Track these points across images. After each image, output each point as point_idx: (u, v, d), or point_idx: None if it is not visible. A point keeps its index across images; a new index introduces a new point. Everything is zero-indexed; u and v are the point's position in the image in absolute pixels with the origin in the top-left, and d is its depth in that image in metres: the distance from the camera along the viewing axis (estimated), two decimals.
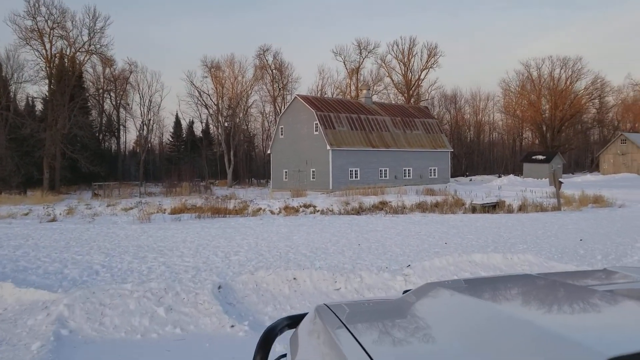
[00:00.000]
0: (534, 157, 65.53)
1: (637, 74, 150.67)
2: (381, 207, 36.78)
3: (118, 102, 73.75)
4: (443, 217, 22.78)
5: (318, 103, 51.39)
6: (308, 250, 11.84)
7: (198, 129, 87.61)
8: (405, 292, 1.86)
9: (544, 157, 64.42)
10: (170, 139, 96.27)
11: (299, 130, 51.59)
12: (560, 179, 27.07)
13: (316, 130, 49.27)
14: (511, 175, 61.97)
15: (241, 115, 71.51)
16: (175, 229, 17.53)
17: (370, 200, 37.41)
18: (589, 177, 57.07)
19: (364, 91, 56.86)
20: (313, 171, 50.29)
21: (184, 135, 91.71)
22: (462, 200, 35.30)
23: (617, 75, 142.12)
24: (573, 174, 73.03)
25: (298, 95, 53.58)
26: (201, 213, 34.09)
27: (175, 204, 36.79)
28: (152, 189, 52.47)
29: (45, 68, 49.88)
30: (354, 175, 49.92)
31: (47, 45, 49.02)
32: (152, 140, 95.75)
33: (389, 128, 54.04)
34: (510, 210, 31.42)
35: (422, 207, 35.36)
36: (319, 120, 48.66)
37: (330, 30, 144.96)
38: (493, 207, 32.64)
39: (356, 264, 9.71)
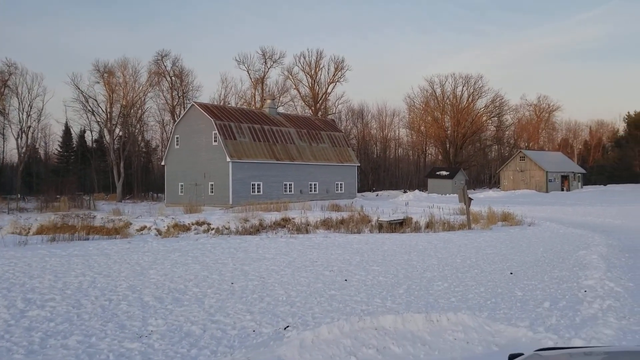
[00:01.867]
0: (438, 173, 65.59)
1: (531, 95, 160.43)
2: (283, 224, 33.85)
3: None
4: (347, 237, 20.02)
5: (217, 111, 47.60)
6: (153, 297, 8.38)
7: (91, 138, 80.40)
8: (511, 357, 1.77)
9: (448, 172, 64.63)
10: (59, 149, 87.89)
11: (197, 140, 47.46)
12: (470, 196, 25.38)
13: (215, 141, 45.45)
14: (417, 191, 61.40)
15: (134, 124, 65.79)
16: None
17: (272, 216, 34.28)
18: (491, 193, 57.58)
19: (268, 101, 53.80)
20: (212, 185, 46.29)
21: (74, 146, 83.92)
22: (369, 217, 33.21)
23: (513, 95, 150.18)
24: (475, 190, 74.24)
25: (196, 102, 49.49)
26: (73, 233, 29.32)
27: (44, 222, 31.59)
28: (27, 205, 45.85)
29: None
30: (256, 190, 46.52)
31: None
32: (36, 149, 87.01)
33: (294, 140, 51.31)
34: (417, 228, 29.59)
35: (327, 225, 32.88)
36: (218, 129, 44.89)
37: (233, 38, 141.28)
38: (400, 225, 30.71)
39: (209, 324, 6.46)
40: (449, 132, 77.27)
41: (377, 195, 68.17)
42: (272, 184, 47.82)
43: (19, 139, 60.98)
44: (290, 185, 49.50)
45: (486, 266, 12.07)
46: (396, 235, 21.82)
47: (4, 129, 66.41)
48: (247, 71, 72.46)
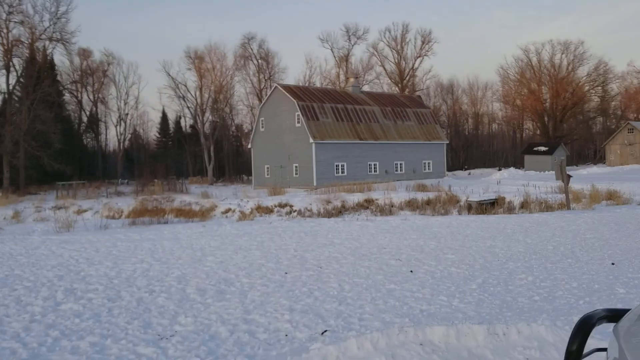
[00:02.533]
0: (535, 149, 61.33)
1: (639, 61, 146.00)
2: (366, 205, 33.01)
3: (96, 96, 69.52)
4: (428, 220, 18.71)
5: (300, 92, 47.22)
6: (196, 289, 7.80)
7: (185, 124, 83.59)
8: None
9: (547, 148, 60.23)
10: (157, 135, 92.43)
11: (281, 122, 47.46)
12: (569, 173, 22.97)
13: (298, 122, 45.16)
14: (512, 168, 57.81)
15: (224, 108, 67.31)
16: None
17: (355, 197, 33.48)
18: (595, 169, 52.87)
19: (351, 80, 52.62)
20: (296, 166, 46.19)
21: (170, 132, 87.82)
22: (457, 197, 31.51)
23: (619, 62, 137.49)
24: (577, 166, 68.85)
25: (279, 84, 49.42)
26: (162, 216, 30.37)
27: (136, 206, 33.05)
28: (125, 189, 48.32)
29: (3, 58, 45.66)
30: (340, 171, 45.82)
31: (4, 32, 44.78)
32: (137, 136, 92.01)
33: (378, 119, 49.89)
34: (511, 209, 27.58)
35: (411, 206, 31.61)
36: (300, 111, 44.53)
37: (317, 16, 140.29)
38: (492, 205, 28.79)
39: (241, 324, 5.71)
40: (547, 104, 71.76)
41: (469, 173, 65.16)
42: (356, 164, 46.87)
43: (118, 126, 64.44)
44: (374, 165, 48.30)
45: (583, 254, 10.42)
46: (484, 217, 20.16)
47: (105, 117, 70.53)
48: (331, 49, 71.59)
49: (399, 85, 77.41)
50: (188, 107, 62.53)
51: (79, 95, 68.55)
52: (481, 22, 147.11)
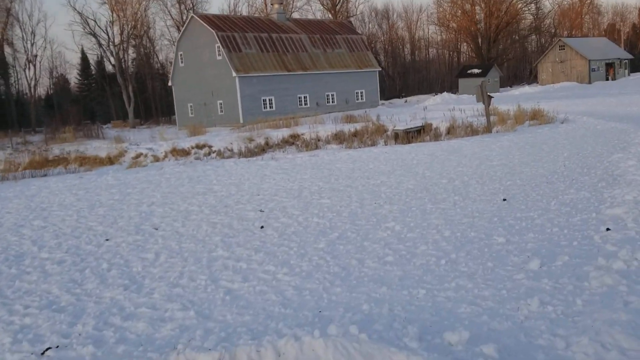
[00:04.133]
0: (469, 72, 60.54)
1: None
2: (292, 141, 31.26)
3: (1, 37, 62.89)
4: (340, 154, 17.13)
5: (219, 22, 43.76)
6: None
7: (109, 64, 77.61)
8: None
9: (480, 70, 59.49)
10: (78, 78, 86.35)
11: (201, 55, 44.15)
12: (490, 93, 21.76)
13: (219, 55, 42.07)
14: (445, 93, 56.87)
15: (143, 44, 62.51)
16: None
17: (279, 133, 31.58)
18: (527, 89, 52.65)
19: (276, 6, 49.21)
20: (220, 103, 43.53)
21: (93, 73, 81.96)
22: (385, 127, 30.17)
23: None
24: (511, 86, 68.83)
25: (195, 13, 45.59)
26: (66, 166, 28.04)
27: (35, 157, 30.01)
28: (34, 138, 44.39)
29: None
30: (268, 105, 43.52)
31: None
32: (55, 80, 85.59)
33: (307, 48, 47.27)
34: (437, 135, 26.54)
35: (338, 138, 30.19)
36: (221, 42, 41.36)
37: None
38: (418, 133, 27.63)
39: None
40: (480, 25, 70.44)
41: (405, 101, 64.06)
42: (285, 97, 44.61)
43: (27, 70, 58.98)
44: (305, 97, 46.19)
45: (477, 188, 9.18)
46: (400, 148, 18.80)
47: (14, 60, 64.30)
48: None
49: (332, 11, 74.04)
50: (100, 45, 57.53)
51: None
52: None
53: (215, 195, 10.31)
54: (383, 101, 64.51)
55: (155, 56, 73.18)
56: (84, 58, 79.44)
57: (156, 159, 28.20)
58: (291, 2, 68.98)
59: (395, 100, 66.43)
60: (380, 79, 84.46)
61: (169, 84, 49.06)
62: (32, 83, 59.48)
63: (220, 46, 41.38)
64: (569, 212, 7.23)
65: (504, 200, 8.06)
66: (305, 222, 7.82)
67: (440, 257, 5.78)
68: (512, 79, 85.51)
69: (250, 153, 27.83)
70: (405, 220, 7.40)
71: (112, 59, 57.60)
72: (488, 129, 20.60)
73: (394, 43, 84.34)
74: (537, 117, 23.11)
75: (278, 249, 6.51)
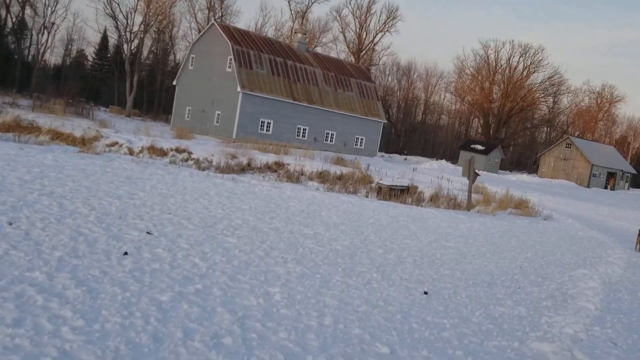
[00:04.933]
0: (472, 146, 60.21)
1: (595, 82, 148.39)
2: (275, 168, 30.28)
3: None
4: (302, 194, 16.05)
5: (238, 35, 43.40)
6: None
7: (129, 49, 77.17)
8: None
9: (483, 147, 59.17)
10: (93, 56, 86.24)
11: (211, 63, 43.62)
12: (477, 171, 20.87)
13: (229, 67, 41.50)
14: (443, 161, 56.32)
15: (162, 38, 62.25)
16: None
17: (265, 158, 30.60)
18: (524, 177, 52.11)
19: (299, 35, 49.04)
20: (218, 114, 42.72)
21: (109, 55, 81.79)
22: (371, 178, 29.22)
23: (574, 80, 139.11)
24: (511, 171, 68.46)
25: (216, 21, 45.27)
26: (37, 135, 27.26)
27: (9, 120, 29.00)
28: (24, 102, 43.29)
29: None
30: (265, 128, 42.73)
31: None
32: (69, 52, 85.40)
33: (319, 82, 46.85)
34: (419, 200, 25.57)
35: (322, 178, 29.20)
36: (234, 55, 40.84)
37: None
38: (402, 192, 26.68)
39: None
40: (495, 104, 70.62)
41: (405, 159, 63.45)
42: (285, 125, 43.89)
43: (41, 35, 58.38)
44: (304, 130, 45.48)
45: (407, 269, 8.03)
46: (369, 202, 17.78)
47: (32, 23, 63.80)
48: (288, 1, 67.21)
49: (355, 55, 74.32)
50: (117, 28, 57.15)
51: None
52: (451, 10, 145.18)
53: (122, 203, 9.16)
54: (383, 153, 64.00)
55: (173, 54, 73.06)
56: (105, 38, 79.30)
57: (131, 152, 27.10)
58: (317, 36, 69.26)
59: (396, 156, 65.84)
60: (386, 131, 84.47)
61: (174, 82, 48.39)
62: (42, 49, 58.69)
63: (233, 59, 40.84)
64: (490, 331, 6.01)
65: (425, 293, 6.95)
66: (182, 260, 6.54)
67: (291, 357, 4.59)
68: (514, 164, 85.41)
69: (228, 169, 26.77)
70: (294, 290, 6.15)
71: (125, 46, 57.01)
72: (467, 207, 19.61)
73: (409, 101, 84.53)
74: (520, 206, 22.18)
75: (103, 293, 5.14)
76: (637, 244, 16.72)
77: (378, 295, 6.54)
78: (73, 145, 26.54)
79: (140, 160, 16.63)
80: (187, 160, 27.08)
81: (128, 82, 55.33)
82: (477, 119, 78.26)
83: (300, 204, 12.92)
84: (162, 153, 27.80)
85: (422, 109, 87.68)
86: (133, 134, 31.58)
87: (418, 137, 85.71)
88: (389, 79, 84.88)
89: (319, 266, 7.41)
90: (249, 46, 42.72)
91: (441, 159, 71.14)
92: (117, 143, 27.54)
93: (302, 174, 29.20)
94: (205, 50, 44.55)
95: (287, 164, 30.04)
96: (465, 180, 33.07)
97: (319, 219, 11.14)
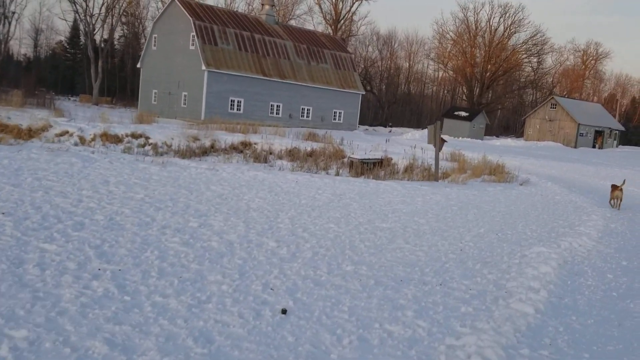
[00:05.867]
0: (455, 113, 58.43)
1: (580, 40, 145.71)
2: (241, 148, 28.60)
3: None
4: (235, 175, 14.37)
5: (200, 10, 41.14)
6: None
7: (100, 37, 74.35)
8: None
9: (467, 114, 57.40)
10: (65, 46, 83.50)
11: (174, 42, 41.43)
12: (443, 137, 19.22)
13: (192, 45, 39.35)
14: (425, 130, 54.51)
15: (128, 20, 59.67)
16: None
17: (231, 138, 28.85)
18: (508, 142, 50.54)
19: (266, 7, 46.68)
20: (185, 95, 40.71)
21: (80, 44, 79.09)
22: (343, 152, 27.59)
23: (559, 38, 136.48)
24: (497, 136, 66.81)
25: None
26: None
27: None
28: None
29: None
30: (235, 107, 40.77)
31: None
32: (36, 42, 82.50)
33: (290, 55, 44.74)
34: (394, 172, 24.04)
35: (292, 156, 27.63)
36: (196, 31, 38.67)
37: None
38: (375, 165, 25.16)
39: None
40: (477, 68, 68.50)
41: (390, 131, 61.61)
42: (256, 102, 41.93)
43: (1, 25, 55.71)
44: (278, 106, 43.54)
45: (274, 280, 6.10)
46: (329, 180, 16.17)
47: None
48: None
49: (333, 27, 71.84)
50: (76, 12, 54.52)
51: None
52: None
53: None
54: (367, 127, 62.15)
55: (144, 37, 70.35)
56: (76, 27, 76.53)
57: (82, 140, 25.31)
58: (290, 9, 66.74)
59: (380, 128, 64.01)
60: (372, 104, 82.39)
61: (138, 65, 46.19)
62: (3, 40, 56.10)
63: (195, 35, 38.69)
64: (404, 342, 4.44)
65: (283, 312, 4.89)
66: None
67: None
68: (501, 129, 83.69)
69: (190, 153, 25.09)
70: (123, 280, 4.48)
71: (85, 30, 54.49)
72: (435, 177, 17.99)
73: (392, 71, 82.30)
74: (495, 172, 20.57)
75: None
76: (610, 199, 15.37)
77: (199, 326, 4.48)
78: (18, 137, 24.76)
79: (60, 148, 14.81)
80: (144, 145, 25.33)
81: (93, 68, 53.04)
82: (460, 85, 76.21)
83: (224, 188, 11.26)
84: (117, 140, 25.97)
85: (406, 78, 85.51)
86: (89, 122, 29.65)
87: (403, 108, 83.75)
88: (370, 49, 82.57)
89: (149, 278, 5.50)
90: (213, 21, 40.51)
91: (425, 128, 69.43)
92: (67, 132, 25.65)
93: (270, 153, 27.52)
94: (167, 29, 42.32)
95: (255, 143, 28.33)
96: (447, 149, 31.38)
97: (234, 204, 9.49)
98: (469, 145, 41.30)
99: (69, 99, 60.75)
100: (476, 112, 57.80)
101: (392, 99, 78.12)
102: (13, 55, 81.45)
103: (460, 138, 52.29)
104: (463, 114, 57.64)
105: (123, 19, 69.58)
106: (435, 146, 17.57)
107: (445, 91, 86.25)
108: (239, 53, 41.02)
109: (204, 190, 10.61)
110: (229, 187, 11.36)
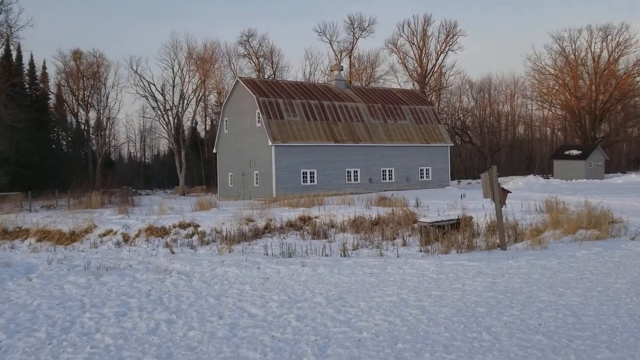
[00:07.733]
0: (566, 153, 51.43)
1: None
2: (299, 225, 25.96)
3: (86, 99, 64.42)
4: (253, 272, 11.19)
5: (265, 86, 40.17)
6: None
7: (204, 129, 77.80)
8: None
9: (580, 152, 50.22)
10: (170, 143, 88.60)
11: (242, 122, 40.57)
12: (503, 186, 14.62)
13: (259, 122, 38.09)
14: (531, 176, 48.19)
15: (214, 110, 61.10)
16: None
17: (288, 214, 26.22)
18: (633, 177, 42.57)
19: (335, 72, 44.90)
20: (256, 174, 39.12)
21: (185, 138, 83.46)
22: (415, 216, 23.80)
23: None
24: (624, 172, 57.79)
25: (240, 77, 42.47)
26: (24, 239, 25.42)
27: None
28: (64, 202, 41.24)
29: None
30: (309, 179, 38.34)
31: None
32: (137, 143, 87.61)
33: (363, 117, 42.06)
34: (474, 235, 19.96)
35: (355, 227, 24.58)
36: (261, 107, 37.48)
37: (317, 8, 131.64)
38: (453, 227, 21.11)
39: None
40: (584, 101, 60.66)
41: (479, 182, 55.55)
42: (331, 171, 39.25)
43: (98, 134, 59.39)
44: (355, 172, 40.50)
45: None
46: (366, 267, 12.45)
47: (85, 123, 65.27)
48: (329, 42, 63.70)
49: (420, 83, 68.61)
50: (153, 108, 56.58)
51: (76, 103, 63.84)
52: (508, 9, 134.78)
53: None
54: (470, 180, 56.91)
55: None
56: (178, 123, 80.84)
57: (126, 238, 23.95)
58: (369, 71, 64.82)
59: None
60: (472, 155, 76.59)
61: (214, 150, 45.90)
62: (101, 148, 59.54)
63: (260, 112, 37.42)
64: None
65: None
66: None
67: None
68: (630, 164, 73.40)
69: (240, 237, 22.71)
70: None
71: (165, 123, 56.26)
72: (501, 244, 13.40)
73: (489, 117, 76.60)
74: (597, 225, 15.25)
75: None
76: None
77: None
78: (59, 243, 23.79)
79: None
80: (192, 235, 23.39)
81: (177, 160, 54.06)
82: (567, 122, 68.21)
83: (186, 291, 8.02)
84: (163, 232, 24.30)
85: (508, 123, 79.10)
86: (147, 214, 28.41)
87: (509, 155, 76.97)
88: (465, 99, 77.91)
89: None
90: (278, 95, 39.18)
91: (538, 174, 62.23)
92: (111, 231, 24.43)
93: (332, 226, 24.34)
94: (235, 110, 41.73)
95: (315, 217, 25.30)
96: (553, 195, 25.94)
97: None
98: (581, 188, 34.92)
99: (166, 192, 62.49)
100: (591, 148, 50.40)
101: (495, 147, 72.00)
102: (124, 157, 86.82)
103: (575, 180, 45.29)
104: (575, 152, 50.52)
105: (210, 109, 72.13)
106: (494, 200, 13.10)
107: (557, 130, 78.18)
108: (307, 123, 39.03)
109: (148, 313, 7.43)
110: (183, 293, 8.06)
